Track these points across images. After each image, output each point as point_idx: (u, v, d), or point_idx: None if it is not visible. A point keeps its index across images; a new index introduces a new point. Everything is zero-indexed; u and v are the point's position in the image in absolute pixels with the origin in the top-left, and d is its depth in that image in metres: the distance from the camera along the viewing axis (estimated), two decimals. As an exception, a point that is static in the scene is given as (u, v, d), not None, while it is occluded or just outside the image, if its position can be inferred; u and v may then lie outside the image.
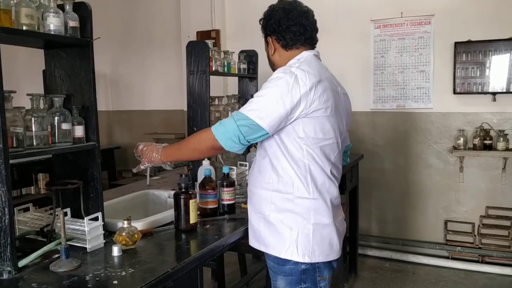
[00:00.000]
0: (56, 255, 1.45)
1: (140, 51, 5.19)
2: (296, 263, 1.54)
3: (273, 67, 1.71)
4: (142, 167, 1.78)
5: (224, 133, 1.47)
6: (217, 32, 4.37)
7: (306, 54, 1.63)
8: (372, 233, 4.10)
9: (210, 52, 2.56)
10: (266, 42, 1.72)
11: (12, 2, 1.34)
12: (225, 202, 2.01)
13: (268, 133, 1.48)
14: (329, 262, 1.59)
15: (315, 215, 1.53)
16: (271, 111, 1.45)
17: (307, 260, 1.53)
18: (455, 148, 3.69)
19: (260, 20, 1.74)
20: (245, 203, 2.08)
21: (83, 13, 1.56)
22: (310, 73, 1.51)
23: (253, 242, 1.66)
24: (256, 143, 1.71)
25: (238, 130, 1.46)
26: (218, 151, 1.59)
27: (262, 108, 1.46)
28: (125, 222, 1.57)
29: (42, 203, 2.21)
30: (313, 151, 1.53)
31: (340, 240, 1.62)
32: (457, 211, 3.81)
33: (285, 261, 1.55)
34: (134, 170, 1.77)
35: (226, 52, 2.82)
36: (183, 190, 1.75)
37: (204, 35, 4.35)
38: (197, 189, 1.99)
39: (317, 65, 1.60)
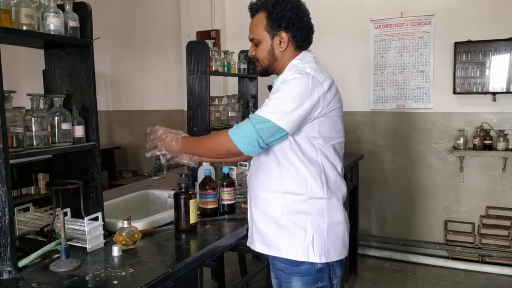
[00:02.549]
0: (56, 255, 1.45)
1: (140, 51, 5.19)
2: (312, 262, 1.51)
3: (272, 63, 1.60)
4: (157, 153, 1.66)
5: (243, 138, 1.44)
6: (217, 32, 4.38)
7: (307, 55, 1.60)
8: (372, 233, 4.10)
9: (210, 52, 2.56)
10: (272, 34, 1.56)
11: (12, 2, 1.34)
12: (225, 202, 2.01)
13: (288, 134, 1.46)
14: (341, 259, 1.59)
15: (328, 214, 1.52)
16: (291, 112, 1.43)
17: (323, 260, 1.51)
18: (455, 148, 3.69)
19: (260, 9, 1.57)
20: (245, 203, 2.08)
21: (83, 13, 1.56)
22: (324, 74, 1.52)
23: (261, 248, 1.60)
24: None
25: (257, 134, 1.42)
26: (235, 155, 1.53)
27: (282, 109, 1.43)
28: (125, 222, 1.57)
29: (42, 203, 2.21)
30: (326, 150, 1.52)
31: (349, 237, 1.63)
32: (457, 211, 3.81)
33: (300, 262, 1.52)
34: (148, 155, 1.68)
35: (226, 52, 2.82)
36: (183, 190, 1.75)
37: (204, 35, 4.35)
38: (197, 189, 1.99)
39: (322, 65, 1.60)
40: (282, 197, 1.52)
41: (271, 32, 1.56)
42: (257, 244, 1.62)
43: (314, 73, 1.49)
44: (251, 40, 1.63)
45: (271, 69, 1.62)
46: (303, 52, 1.61)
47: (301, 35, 1.56)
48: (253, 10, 1.61)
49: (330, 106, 1.50)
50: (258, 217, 1.60)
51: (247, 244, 1.68)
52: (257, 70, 1.69)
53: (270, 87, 1.67)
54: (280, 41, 1.56)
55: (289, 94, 1.45)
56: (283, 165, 1.52)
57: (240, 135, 1.44)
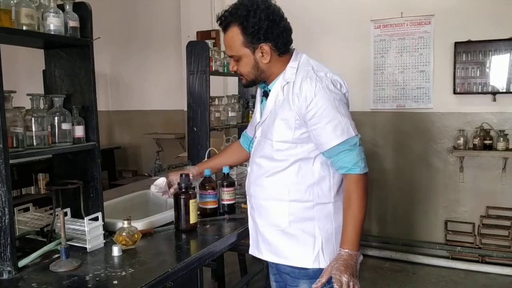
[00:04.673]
0: (56, 255, 1.46)
1: (140, 51, 5.19)
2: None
3: (259, 76, 1.53)
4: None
5: (363, 161, 1.46)
6: (217, 32, 4.37)
7: (301, 54, 1.55)
8: (372, 233, 4.10)
9: (210, 52, 2.56)
10: (253, 48, 1.48)
11: (12, 2, 1.34)
12: (225, 202, 2.01)
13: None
14: None
15: (335, 218, 1.50)
16: (348, 117, 1.44)
17: None
18: (455, 148, 3.69)
19: (231, 22, 1.48)
20: (245, 203, 2.09)
21: (83, 13, 1.56)
22: (333, 74, 1.50)
23: (269, 256, 1.57)
24: (250, 152, 1.69)
25: (360, 149, 1.45)
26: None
27: (343, 122, 1.42)
28: (125, 222, 1.57)
29: (42, 203, 2.22)
30: None
31: None
32: (457, 211, 3.81)
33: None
34: None
35: (226, 52, 2.82)
36: (183, 190, 1.75)
37: (204, 35, 4.35)
38: (197, 189, 1.99)
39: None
40: (288, 205, 1.49)
41: (251, 46, 1.48)
42: (264, 252, 1.58)
43: (330, 75, 1.47)
44: (230, 56, 1.55)
45: (258, 80, 1.56)
46: (295, 53, 1.55)
47: (282, 40, 1.48)
48: (224, 24, 1.51)
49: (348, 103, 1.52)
50: (263, 226, 1.57)
51: (250, 252, 1.65)
52: (242, 84, 1.63)
53: (265, 93, 1.61)
54: (262, 53, 1.48)
55: (331, 107, 1.41)
56: (288, 173, 1.49)
57: (362, 165, 1.45)
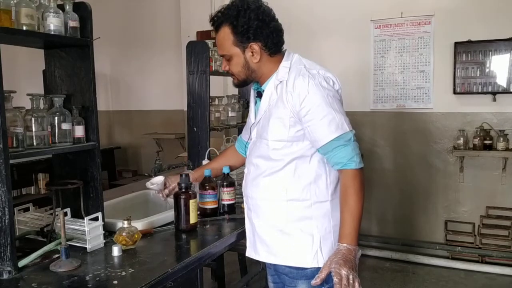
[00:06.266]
0: (56, 255, 1.46)
1: (140, 51, 5.19)
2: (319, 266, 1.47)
3: (250, 75, 1.55)
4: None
5: (358, 156, 1.43)
6: (217, 32, 4.38)
7: (293, 54, 1.55)
8: (372, 233, 4.10)
9: (210, 52, 2.56)
10: (243, 48, 1.50)
11: (12, 2, 1.34)
12: (225, 202, 2.01)
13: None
14: None
15: (333, 216, 1.50)
16: (342, 114, 1.44)
17: None
18: (455, 148, 3.69)
19: (223, 22, 1.50)
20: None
21: (83, 13, 1.56)
22: (325, 71, 1.50)
23: (266, 257, 1.57)
24: (246, 152, 1.69)
25: (355, 144, 1.44)
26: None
27: (337, 117, 1.42)
28: (125, 222, 1.57)
29: (42, 203, 2.21)
30: None
31: None
32: (457, 211, 3.81)
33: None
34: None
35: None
36: (183, 190, 1.75)
37: (204, 35, 4.35)
38: (197, 189, 1.99)
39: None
40: (286, 204, 1.50)
41: (241, 45, 1.50)
42: (261, 253, 1.58)
43: (322, 72, 1.47)
44: (221, 55, 1.58)
45: (250, 80, 1.58)
46: (287, 53, 1.56)
47: (272, 40, 1.50)
48: (216, 24, 1.53)
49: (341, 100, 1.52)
50: (260, 227, 1.57)
51: (247, 254, 1.64)
52: (233, 83, 1.63)
53: (259, 94, 1.61)
54: (252, 53, 1.51)
55: (324, 104, 1.42)
56: (285, 172, 1.49)
57: (358, 160, 1.42)
